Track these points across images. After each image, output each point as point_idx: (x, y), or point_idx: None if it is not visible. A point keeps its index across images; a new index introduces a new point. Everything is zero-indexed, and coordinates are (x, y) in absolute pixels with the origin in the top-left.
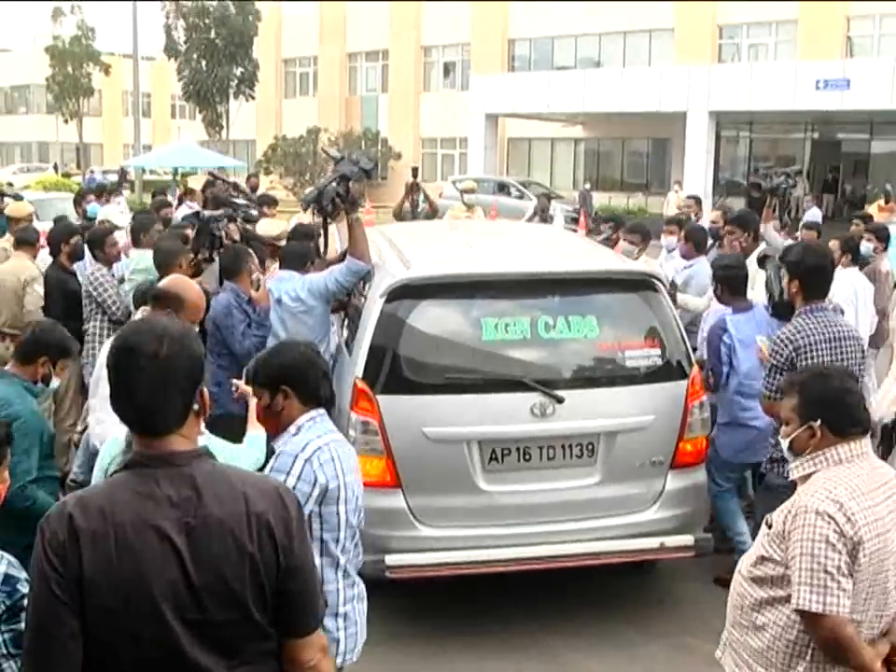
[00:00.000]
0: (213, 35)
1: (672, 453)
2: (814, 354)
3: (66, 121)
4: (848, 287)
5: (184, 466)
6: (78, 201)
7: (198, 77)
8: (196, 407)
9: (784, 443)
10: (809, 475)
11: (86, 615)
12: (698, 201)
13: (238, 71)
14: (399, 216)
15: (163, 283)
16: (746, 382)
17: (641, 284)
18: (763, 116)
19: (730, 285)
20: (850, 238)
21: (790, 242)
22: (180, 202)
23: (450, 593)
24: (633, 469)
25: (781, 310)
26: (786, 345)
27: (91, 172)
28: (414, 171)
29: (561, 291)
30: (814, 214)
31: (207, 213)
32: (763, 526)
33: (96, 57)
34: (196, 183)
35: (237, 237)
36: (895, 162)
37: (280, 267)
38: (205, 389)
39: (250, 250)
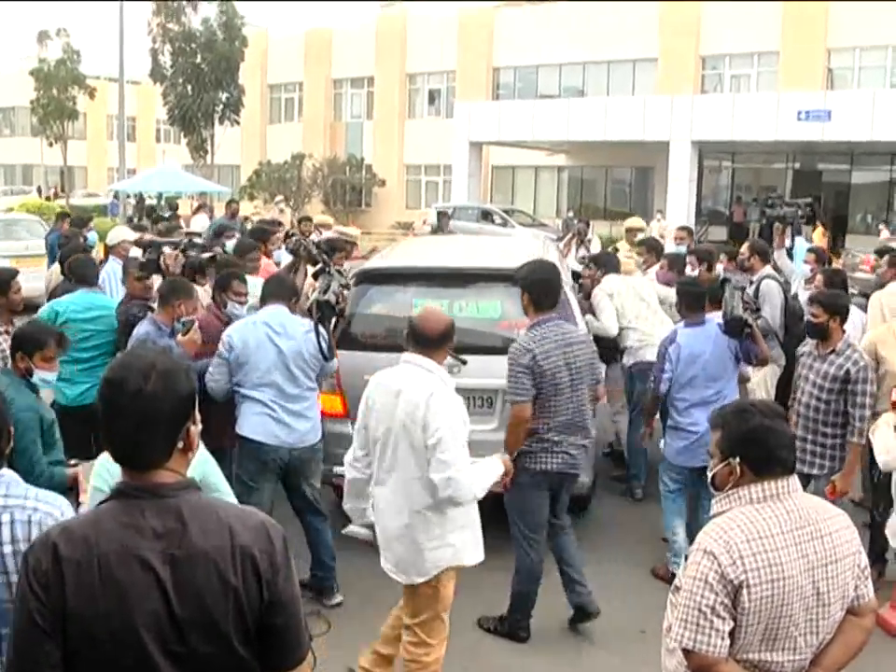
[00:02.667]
0: (199, 59)
1: None
2: (550, 358)
3: (51, 144)
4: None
5: (170, 497)
6: (79, 225)
7: (183, 101)
8: (181, 444)
9: (707, 478)
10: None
11: (68, 644)
12: (690, 231)
13: (223, 96)
14: None
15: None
16: (688, 390)
17: None
18: (745, 146)
19: (687, 300)
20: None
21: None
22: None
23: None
24: None
25: (732, 327)
26: (524, 354)
27: (115, 197)
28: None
29: (474, 282)
30: (800, 243)
31: (158, 240)
32: (683, 559)
33: (81, 80)
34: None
35: (177, 268)
36: (875, 192)
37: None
38: (193, 427)
39: (193, 286)
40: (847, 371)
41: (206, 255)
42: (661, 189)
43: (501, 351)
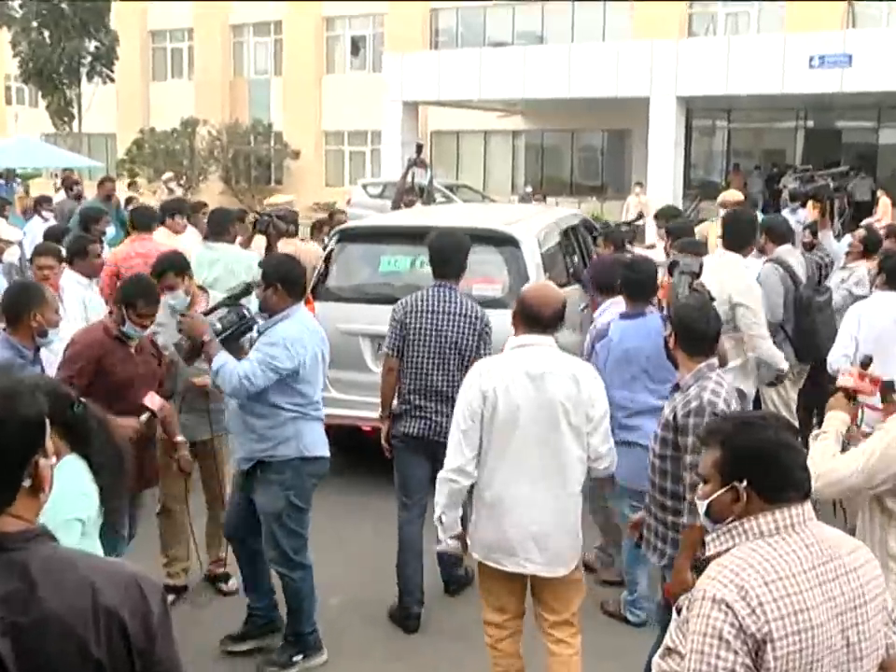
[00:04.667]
0: None
1: None
2: (421, 318)
3: None
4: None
5: (13, 551)
6: None
7: (40, 51)
8: (28, 483)
9: (701, 507)
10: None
11: None
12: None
13: (92, 45)
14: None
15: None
16: (627, 395)
17: (505, 240)
18: (743, 101)
19: (628, 287)
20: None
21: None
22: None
23: None
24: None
25: None
26: (399, 308)
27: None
28: (419, 147)
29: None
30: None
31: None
32: (674, 612)
33: None
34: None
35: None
36: None
37: None
38: (43, 460)
39: (43, 287)
40: (675, 416)
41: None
42: (640, 158)
43: None
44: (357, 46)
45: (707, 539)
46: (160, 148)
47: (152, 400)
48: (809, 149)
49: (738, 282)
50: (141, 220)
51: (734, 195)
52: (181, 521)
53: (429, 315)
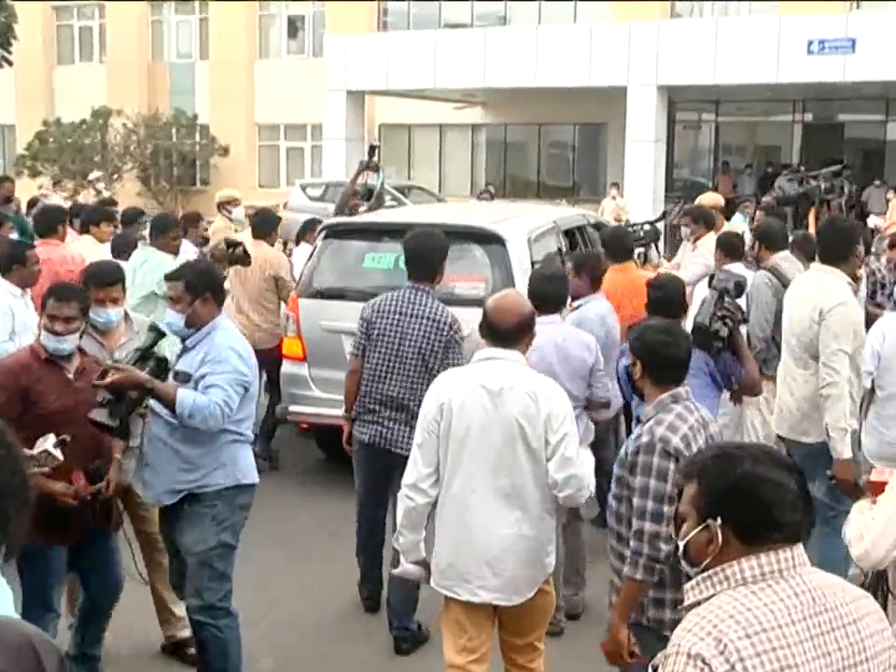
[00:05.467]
0: None
1: None
2: (383, 318)
3: None
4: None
5: None
6: None
7: None
8: None
9: (680, 546)
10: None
11: None
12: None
13: None
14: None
15: None
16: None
17: (490, 238)
18: (733, 92)
19: (654, 306)
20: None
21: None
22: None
23: None
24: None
25: (696, 337)
26: (366, 308)
27: None
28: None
29: None
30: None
31: None
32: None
33: None
34: None
35: None
36: None
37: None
38: None
39: None
40: (625, 455)
41: None
42: (616, 155)
43: (443, 302)
44: (294, 27)
45: (686, 586)
46: (66, 143)
47: (77, 483)
48: (808, 146)
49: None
50: (44, 224)
51: (711, 198)
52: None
53: (395, 317)
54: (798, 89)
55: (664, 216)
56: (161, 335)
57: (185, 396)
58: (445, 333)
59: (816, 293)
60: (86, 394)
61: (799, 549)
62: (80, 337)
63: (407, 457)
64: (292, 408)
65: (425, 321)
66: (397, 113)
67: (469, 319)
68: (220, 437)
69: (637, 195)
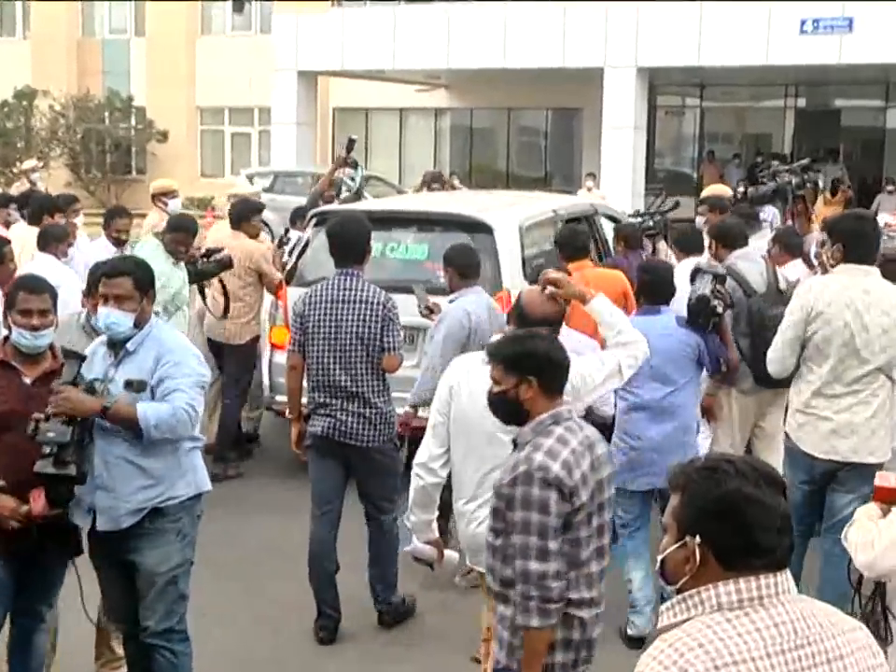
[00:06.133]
0: None
1: None
2: (316, 309)
3: None
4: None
5: None
6: None
7: None
8: None
9: (657, 561)
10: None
11: None
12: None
13: None
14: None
15: None
16: (628, 387)
17: (477, 226)
18: (720, 75)
19: (643, 291)
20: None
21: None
22: None
23: None
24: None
25: (696, 310)
26: (298, 301)
27: None
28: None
29: (407, 225)
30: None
31: None
32: None
33: None
34: None
35: None
36: None
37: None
38: None
39: None
40: (500, 485)
41: None
42: (592, 143)
43: (426, 291)
44: (240, 1)
45: (662, 608)
46: None
47: (35, 502)
48: (801, 134)
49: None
50: None
51: (718, 189)
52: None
53: (329, 306)
54: (790, 72)
55: (676, 205)
56: (82, 359)
57: (145, 409)
58: (380, 313)
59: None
60: (38, 402)
61: (784, 576)
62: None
63: (363, 449)
64: (278, 397)
65: (358, 305)
66: (352, 96)
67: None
68: (182, 444)
69: (615, 187)
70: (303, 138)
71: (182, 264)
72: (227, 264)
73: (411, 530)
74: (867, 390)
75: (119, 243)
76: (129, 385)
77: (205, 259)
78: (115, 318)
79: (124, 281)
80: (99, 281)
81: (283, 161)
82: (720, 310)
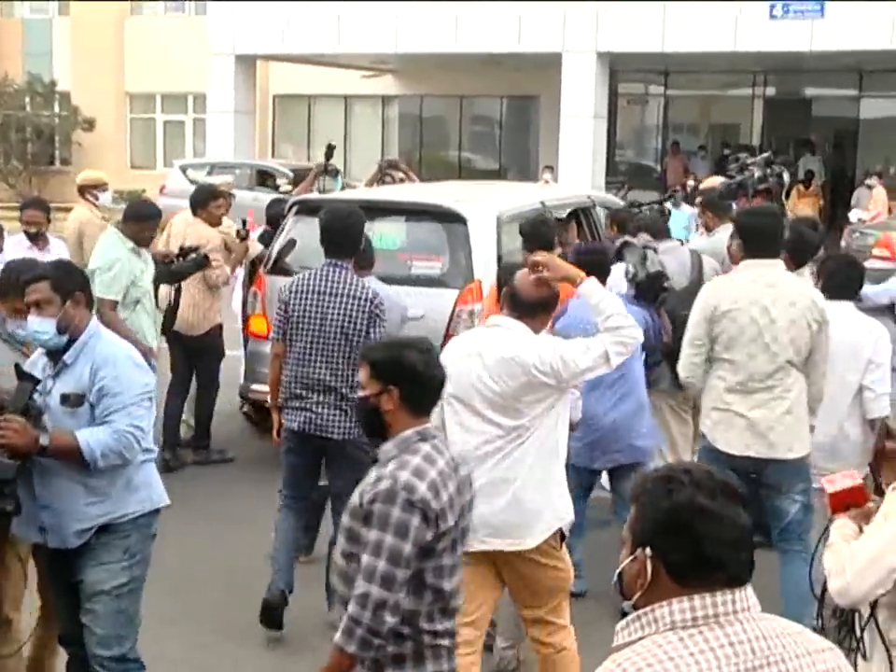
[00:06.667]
0: None
1: (442, 339)
2: (301, 299)
3: None
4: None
5: None
6: None
7: None
8: None
9: (614, 576)
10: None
11: None
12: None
13: None
14: None
15: None
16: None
17: (451, 217)
18: (685, 61)
19: (588, 267)
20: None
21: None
22: None
23: None
24: None
25: (649, 285)
26: (283, 289)
27: None
28: (329, 151)
29: (383, 215)
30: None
31: None
32: None
33: None
34: None
35: None
36: None
37: None
38: None
39: None
40: (359, 503)
41: None
42: (549, 133)
43: (398, 281)
44: None
45: (617, 627)
46: None
47: None
48: (770, 125)
49: None
50: None
51: (714, 181)
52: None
53: (315, 297)
54: (759, 59)
55: (672, 196)
56: (37, 382)
57: (87, 437)
58: (367, 309)
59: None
60: None
61: (743, 592)
62: None
63: (339, 442)
64: (254, 386)
65: (345, 299)
66: (294, 82)
67: (425, 300)
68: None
69: (574, 179)
70: (241, 127)
71: (146, 253)
72: (203, 263)
73: None
74: (780, 386)
75: (33, 237)
76: (65, 399)
77: (181, 259)
78: (36, 326)
79: (41, 285)
80: (10, 283)
81: (219, 152)
82: (667, 284)
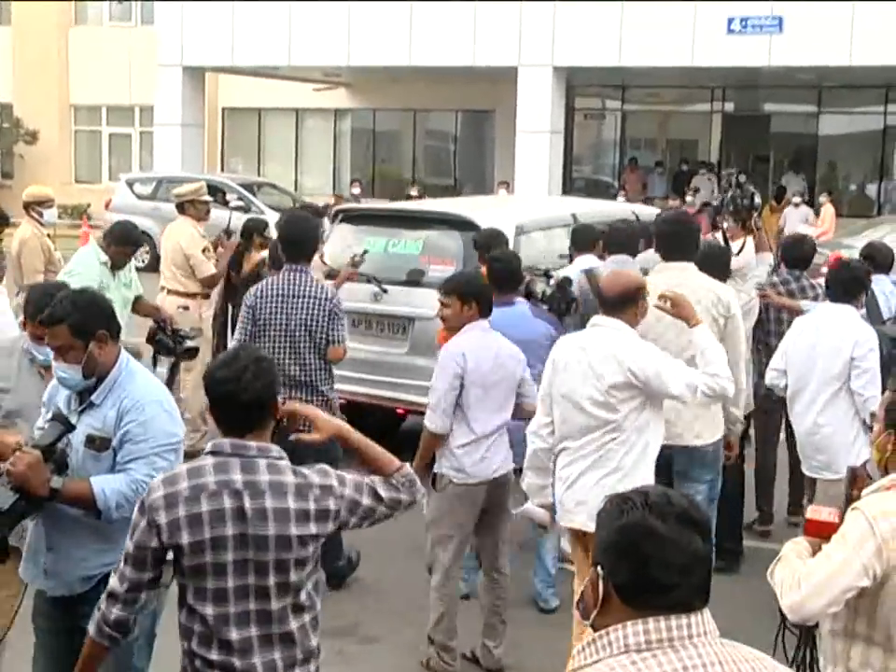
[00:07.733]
0: None
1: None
2: (266, 303)
3: None
4: None
5: None
6: None
7: None
8: None
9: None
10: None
11: None
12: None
13: None
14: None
15: None
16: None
17: (466, 225)
18: (642, 76)
19: (498, 280)
20: None
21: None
22: None
23: None
24: (428, 346)
25: (558, 298)
26: (249, 295)
27: None
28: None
29: (403, 223)
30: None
31: None
32: None
33: None
34: None
35: None
36: (858, 148)
37: None
38: None
39: None
40: None
41: None
42: (505, 148)
43: (418, 283)
44: None
45: (574, 651)
46: None
47: None
48: (728, 141)
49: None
50: None
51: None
52: None
53: (279, 300)
54: (717, 74)
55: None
56: (70, 429)
57: (102, 486)
58: (326, 308)
59: None
60: None
61: (700, 617)
62: None
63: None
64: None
65: (306, 299)
66: (244, 95)
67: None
68: None
69: (530, 195)
70: (190, 141)
71: (123, 274)
72: (195, 356)
73: (527, 492)
74: None
75: None
76: (91, 441)
77: (175, 343)
78: (62, 373)
79: (60, 330)
80: (32, 310)
81: (167, 166)
82: (573, 295)
